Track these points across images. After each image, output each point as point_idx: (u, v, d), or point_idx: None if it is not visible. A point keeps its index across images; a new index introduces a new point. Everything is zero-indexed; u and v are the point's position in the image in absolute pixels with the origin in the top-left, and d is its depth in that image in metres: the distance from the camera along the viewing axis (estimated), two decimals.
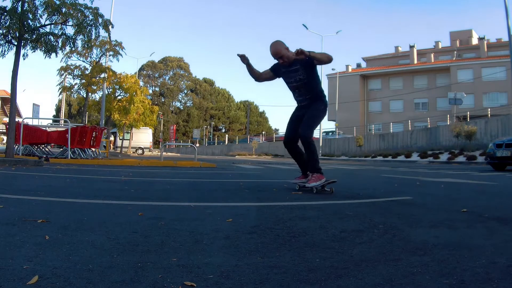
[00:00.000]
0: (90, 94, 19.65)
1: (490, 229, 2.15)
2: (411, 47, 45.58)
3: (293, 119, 4.05)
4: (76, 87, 19.81)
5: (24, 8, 7.99)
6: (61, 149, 12.53)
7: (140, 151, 30.82)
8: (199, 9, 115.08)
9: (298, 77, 3.82)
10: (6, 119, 17.27)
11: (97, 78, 18.31)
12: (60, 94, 26.17)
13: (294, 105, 4.17)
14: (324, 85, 38.36)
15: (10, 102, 9.44)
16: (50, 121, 26.96)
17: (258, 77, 4.10)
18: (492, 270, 1.37)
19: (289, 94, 4.08)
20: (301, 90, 3.90)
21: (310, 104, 3.92)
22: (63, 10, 8.35)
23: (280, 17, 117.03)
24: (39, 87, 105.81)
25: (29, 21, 8.15)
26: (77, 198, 3.08)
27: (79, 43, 9.00)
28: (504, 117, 20.72)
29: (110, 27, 10.28)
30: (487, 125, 20.90)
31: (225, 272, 1.32)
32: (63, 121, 20.94)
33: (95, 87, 18.79)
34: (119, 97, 24.13)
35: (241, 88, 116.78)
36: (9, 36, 8.23)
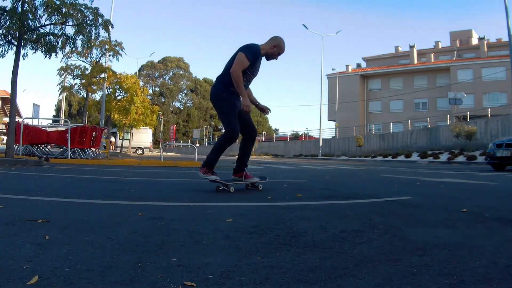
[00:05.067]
0: (90, 94, 19.65)
1: (490, 229, 2.15)
2: (411, 47, 45.56)
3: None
4: (76, 87, 19.82)
5: (24, 8, 7.99)
6: (61, 149, 12.54)
7: (140, 151, 30.78)
8: (199, 9, 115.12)
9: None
10: (6, 119, 17.26)
11: (97, 78, 18.31)
12: (60, 94, 26.18)
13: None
14: (324, 85, 38.39)
15: (10, 102, 9.45)
16: (50, 121, 26.92)
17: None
18: (492, 270, 1.37)
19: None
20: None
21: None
22: (63, 10, 8.35)
23: (280, 17, 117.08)
24: (39, 87, 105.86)
25: (29, 21, 8.16)
26: (77, 198, 3.08)
27: (79, 43, 9.02)
28: (504, 117, 20.72)
29: (110, 27, 10.29)
30: (487, 125, 20.89)
31: (225, 272, 1.32)
32: (63, 121, 20.92)
33: (95, 87, 18.81)
34: (119, 97, 24.11)
35: None
36: (9, 36, 8.24)
